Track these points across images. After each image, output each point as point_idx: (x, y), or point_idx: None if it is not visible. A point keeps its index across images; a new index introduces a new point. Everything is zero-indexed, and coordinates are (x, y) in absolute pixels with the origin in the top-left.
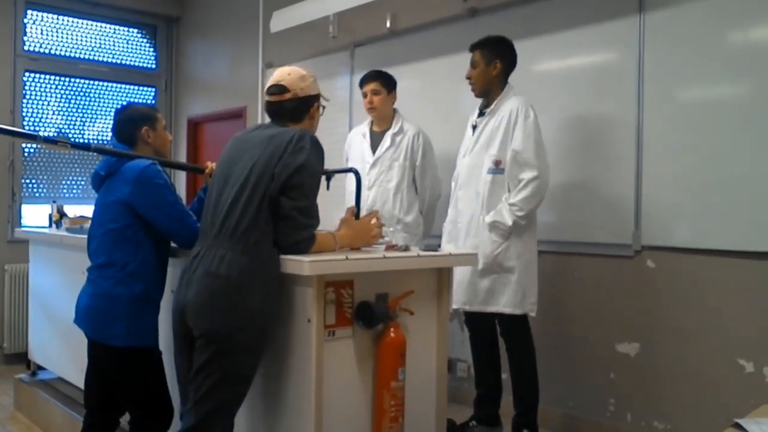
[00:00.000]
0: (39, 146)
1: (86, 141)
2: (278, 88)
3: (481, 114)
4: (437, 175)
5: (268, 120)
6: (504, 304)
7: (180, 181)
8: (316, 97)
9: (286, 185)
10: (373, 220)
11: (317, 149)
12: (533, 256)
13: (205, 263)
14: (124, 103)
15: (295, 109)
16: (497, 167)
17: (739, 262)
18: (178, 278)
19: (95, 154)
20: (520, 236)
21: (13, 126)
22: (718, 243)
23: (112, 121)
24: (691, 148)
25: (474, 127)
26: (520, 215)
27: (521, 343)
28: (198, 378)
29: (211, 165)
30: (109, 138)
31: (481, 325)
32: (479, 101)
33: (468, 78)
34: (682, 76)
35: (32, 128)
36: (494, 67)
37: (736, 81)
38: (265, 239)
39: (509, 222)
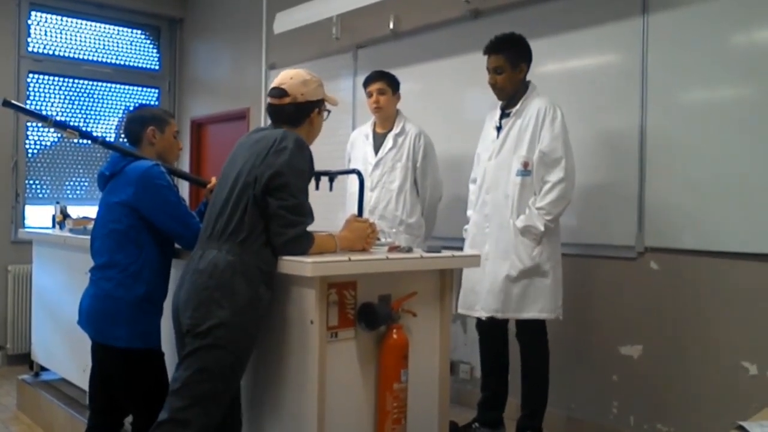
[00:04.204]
0: (51, 135)
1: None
2: (279, 92)
3: (505, 115)
4: (438, 176)
5: (270, 122)
6: (540, 310)
7: (183, 187)
8: (317, 103)
9: (270, 186)
10: (371, 220)
11: (301, 149)
12: (559, 257)
13: (195, 263)
14: (128, 104)
15: (293, 113)
16: (525, 169)
17: (743, 264)
18: (178, 280)
19: (99, 155)
20: (549, 239)
21: (17, 127)
22: (722, 245)
23: (116, 122)
24: (694, 150)
25: (498, 129)
26: (549, 219)
27: (539, 347)
28: (177, 371)
29: (215, 180)
30: (112, 139)
31: (494, 330)
32: (483, 102)
33: (493, 84)
34: (686, 78)
35: (36, 129)
36: (520, 70)
37: (740, 83)
38: (252, 239)
39: (541, 227)
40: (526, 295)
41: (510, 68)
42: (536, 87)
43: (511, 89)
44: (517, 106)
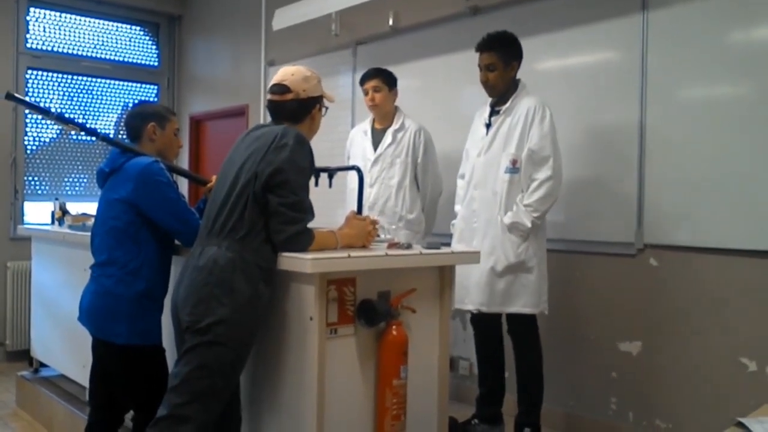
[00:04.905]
0: (50, 132)
1: (89, 138)
2: (280, 88)
3: (495, 112)
4: (438, 172)
5: (269, 118)
6: (523, 305)
7: (182, 184)
8: (318, 99)
9: (270, 183)
10: (372, 216)
11: (301, 145)
12: (545, 254)
13: (195, 259)
14: (126, 101)
15: (295, 110)
16: (514, 166)
17: (741, 260)
18: (177, 277)
19: (98, 151)
20: (536, 235)
21: (16, 123)
22: (721, 242)
23: (115, 118)
24: (693, 147)
25: (488, 126)
26: (536, 216)
27: (530, 341)
28: (176, 367)
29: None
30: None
31: (487, 325)
32: (481, 99)
33: (484, 81)
34: (685, 75)
35: (34, 125)
36: (512, 68)
37: (740, 80)
38: (252, 236)
39: (528, 224)
40: (511, 290)
41: (502, 66)
42: (526, 86)
43: (502, 87)
44: (507, 104)
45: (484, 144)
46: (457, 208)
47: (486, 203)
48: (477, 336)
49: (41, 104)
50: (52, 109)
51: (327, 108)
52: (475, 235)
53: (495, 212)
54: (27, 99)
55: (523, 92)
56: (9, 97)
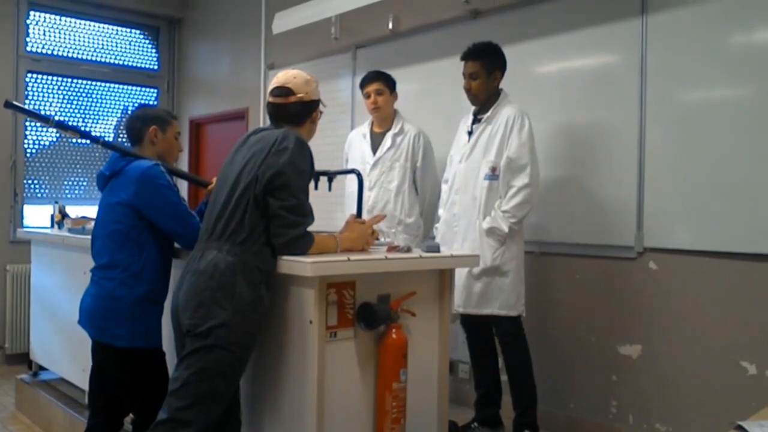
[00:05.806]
0: (50, 135)
1: (89, 141)
2: (284, 91)
3: (477, 120)
4: (437, 176)
5: (268, 122)
6: (499, 307)
7: (182, 187)
8: (318, 102)
9: (270, 186)
10: (372, 221)
11: (302, 148)
12: (522, 257)
13: (195, 263)
14: (126, 104)
15: (299, 112)
16: (493, 173)
17: (741, 264)
18: (177, 281)
19: (98, 155)
20: (513, 239)
21: (16, 126)
22: (721, 245)
23: (115, 122)
24: (693, 151)
25: (470, 133)
26: (514, 221)
27: (516, 343)
28: (177, 371)
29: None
30: (110, 140)
31: (477, 327)
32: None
33: (467, 89)
34: (685, 79)
35: (34, 129)
36: (494, 78)
37: (739, 84)
38: (253, 239)
39: (506, 229)
40: (487, 292)
41: (485, 75)
42: (508, 95)
43: (484, 96)
44: (489, 113)
45: (465, 151)
46: (440, 211)
47: (466, 208)
48: (468, 338)
49: (40, 109)
50: (52, 114)
51: (322, 112)
52: (455, 239)
53: (474, 217)
54: (25, 107)
55: (505, 101)
56: (8, 105)
